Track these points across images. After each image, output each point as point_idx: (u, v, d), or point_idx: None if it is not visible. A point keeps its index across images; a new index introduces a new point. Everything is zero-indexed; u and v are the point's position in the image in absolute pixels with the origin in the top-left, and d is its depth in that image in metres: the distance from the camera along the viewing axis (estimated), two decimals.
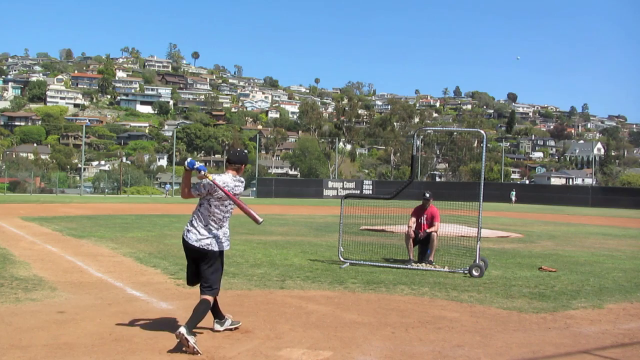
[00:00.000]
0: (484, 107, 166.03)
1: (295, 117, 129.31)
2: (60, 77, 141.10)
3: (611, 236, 16.26)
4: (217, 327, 5.00)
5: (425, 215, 9.49)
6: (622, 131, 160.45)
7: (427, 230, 9.35)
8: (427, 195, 9.47)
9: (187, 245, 4.78)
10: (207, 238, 4.73)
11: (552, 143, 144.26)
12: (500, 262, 9.79)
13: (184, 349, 4.35)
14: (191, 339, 4.36)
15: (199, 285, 4.83)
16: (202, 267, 4.75)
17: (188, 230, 4.77)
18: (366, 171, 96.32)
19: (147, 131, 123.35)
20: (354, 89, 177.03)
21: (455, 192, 35.06)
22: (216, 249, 4.76)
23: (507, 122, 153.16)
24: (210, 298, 4.73)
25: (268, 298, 6.44)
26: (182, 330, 4.37)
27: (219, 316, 5.03)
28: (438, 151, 76.41)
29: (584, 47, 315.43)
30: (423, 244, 9.40)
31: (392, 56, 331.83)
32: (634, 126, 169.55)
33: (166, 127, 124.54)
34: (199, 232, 4.73)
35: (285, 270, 8.38)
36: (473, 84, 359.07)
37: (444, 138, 73.14)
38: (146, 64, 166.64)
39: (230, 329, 5.01)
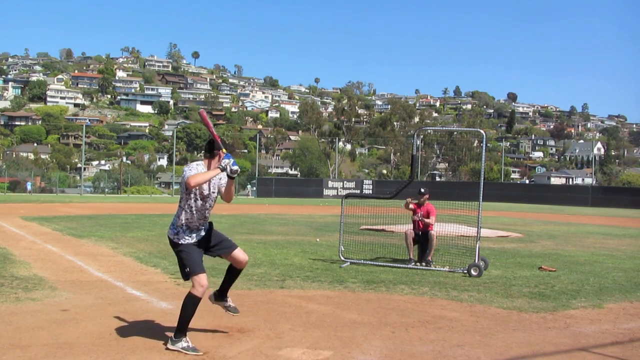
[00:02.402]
0: (484, 106, 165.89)
1: (295, 116, 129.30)
2: (60, 76, 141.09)
3: (611, 236, 16.25)
4: (212, 299, 4.95)
5: (421, 212, 9.50)
6: (622, 131, 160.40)
7: (425, 220, 9.32)
8: (422, 190, 9.47)
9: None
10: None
11: (552, 143, 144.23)
12: (500, 262, 9.80)
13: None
14: (180, 345, 4.39)
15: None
16: None
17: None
18: (366, 171, 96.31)
19: (147, 131, 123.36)
20: (354, 89, 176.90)
21: (455, 192, 35.05)
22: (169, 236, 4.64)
23: (507, 121, 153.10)
24: (191, 289, 4.48)
25: (268, 298, 6.44)
26: (168, 344, 4.43)
27: (222, 291, 4.92)
28: (438, 151, 76.39)
29: (584, 47, 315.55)
30: (423, 243, 9.41)
31: (392, 56, 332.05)
32: (634, 126, 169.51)
33: (166, 126, 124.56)
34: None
35: (285, 269, 8.38)
36: (473, 84, 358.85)
37: (444, 138, 73.07)
38: (146, 63, 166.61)
39: (229, 312, 4.96)
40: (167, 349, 4.43)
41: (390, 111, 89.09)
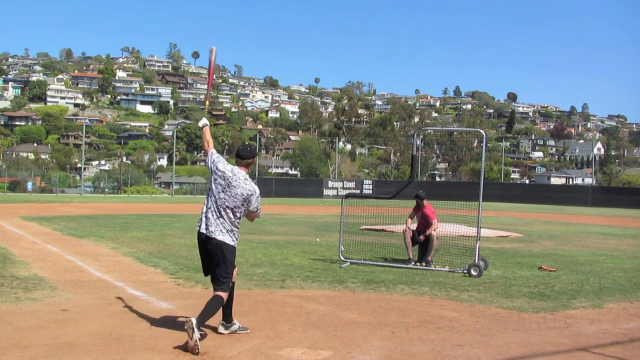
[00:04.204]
0: (484, 106, 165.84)
1: (295, 116, 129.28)
2: (60, 76, 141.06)
3: (611, 236, 16.25)
4: (222, 329, 4.94)
5: (420, 215, 9.49)
6: (622, 131, 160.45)
7: (426, 232, 9.33)
8: (420, 194, 9.43)
9: (199, 236, 4.79)
10: (218, 229, 4.73)
11: (552, 143, 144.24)
12: (500, 262, 9.79)
13: (187, 340, 4.33)
14: (197, 334, 4.36)
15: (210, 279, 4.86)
16: (211, 259, 4.75)
17: (200, 220, 4.80)
18: (366, 171, 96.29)
19: (147, 131, 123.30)
20: (354, 89, 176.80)
21: (455, 192, 35.05)
22: (230, 242, 4.75)
23: (507, 121, 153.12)
24: (222, 294, 4.66)
25: (268, 298, 6.44)
26: (194, 321, 4.35)
27: (226, 319, 4.96)
28: (438, 151, 76.42)
29: (584, 47, 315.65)
30: (423, 244, 9.40)
31: (392, 56, 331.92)
32: (634, 126, 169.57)
33: (166, 126, 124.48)
34: (211, 221, 4.73)
35: (285, 269, 8.38)
36: (473, 84, 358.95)
37: (444, 138, 73.12)
38: (146, 63, 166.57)
39: (239, 333, 4.95)
40: (190, 322, 4.35)
41: (390, 111, 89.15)
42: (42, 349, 4.36)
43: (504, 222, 20.45)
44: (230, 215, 4.75)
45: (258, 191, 4.89)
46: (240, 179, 4.80)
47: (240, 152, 4.90)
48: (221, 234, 4.73)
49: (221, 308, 4.91)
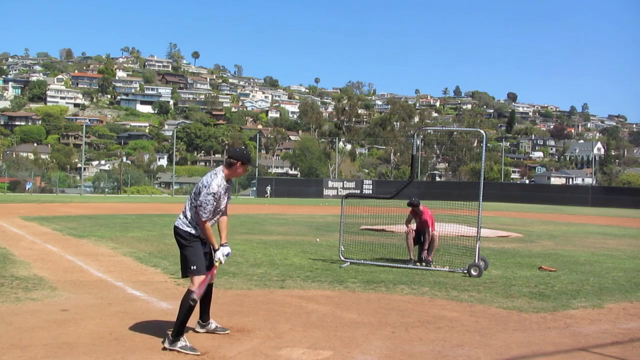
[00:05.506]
0: (484, 106, 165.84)
1: (295, 116, 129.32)
2: (60, 76, 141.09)
3: (611, 236, 16.25)
4: (198, 328, 4.92)
5: (419, 219, 9.45)
6: (622, 131, 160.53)
7: (427, 233, 9.30)
8: (413, 202, 9.31)
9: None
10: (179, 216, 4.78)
11: (552, 143, 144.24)
12: (500, 262, 9.79)
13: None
14: (179, 345, 4.36)
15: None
16: None
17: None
18: (366, 171, 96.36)
19: (147, 131, 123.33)
20: (354, 89, 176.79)
21: (455, 192, 35.07)
22: (180, 226, 4.69)
23: (507, 121, 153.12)
24: (191, 288, 4.51)
25: (268, 298, 6.44)
26: (166, 344, 4.42)
27: (202, 317, 4.91)
28: (438, 151, 76.44)
29: (584, 47, 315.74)
30: (424, 244, 9.38)
31: (392, 56, 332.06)
32: (634, 126, 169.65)
33: (166, 126, 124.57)
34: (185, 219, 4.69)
35: (285, 269, 8.38)
36: (473, 84, 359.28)
37: (444, 138, 73.15)
38: (146, 63, 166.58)
39: (217, 333, 4.89)
40: (165, 348, 4.42)
41: (390, 111, 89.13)
42: (42, 349, 4.36)
43: (504, 222, 20.45)
44: (191, 200, 4.67)
45: (212, 190, 4.50)
46: (210, 172, 4.72)
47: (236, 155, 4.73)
48: (177, 218, 4.71)
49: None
